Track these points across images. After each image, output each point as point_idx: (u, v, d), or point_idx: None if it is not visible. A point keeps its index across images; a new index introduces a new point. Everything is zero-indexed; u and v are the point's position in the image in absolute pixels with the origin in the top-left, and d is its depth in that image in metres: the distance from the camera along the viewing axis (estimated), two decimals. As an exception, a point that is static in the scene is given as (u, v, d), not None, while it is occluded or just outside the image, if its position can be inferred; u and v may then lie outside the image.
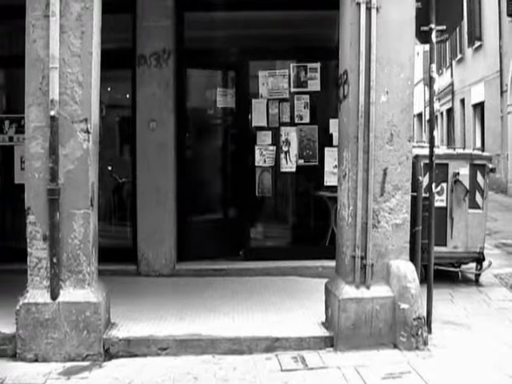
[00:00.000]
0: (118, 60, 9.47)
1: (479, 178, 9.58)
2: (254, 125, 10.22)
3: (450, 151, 10.35)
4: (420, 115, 40.76)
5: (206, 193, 10.25)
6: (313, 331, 6.91)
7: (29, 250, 6.52)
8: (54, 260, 6.43)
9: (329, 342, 6.74)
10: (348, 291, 6.76)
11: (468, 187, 9.50)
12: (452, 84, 32.23)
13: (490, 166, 9.73)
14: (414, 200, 7.15)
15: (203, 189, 10.22)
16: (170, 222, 9.71)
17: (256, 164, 10.17)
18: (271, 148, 10.19)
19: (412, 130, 7.08)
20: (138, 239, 9.75)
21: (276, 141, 10.23)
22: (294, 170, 10.27)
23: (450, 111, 33.60)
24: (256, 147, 10.17)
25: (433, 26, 7.20)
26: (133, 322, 7.10)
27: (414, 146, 7.55)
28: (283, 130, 10.23)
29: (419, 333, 6.64)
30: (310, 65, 10.21)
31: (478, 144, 26.66)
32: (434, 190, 7.41)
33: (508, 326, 7.58)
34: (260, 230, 10.73)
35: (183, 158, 10.06)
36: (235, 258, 10.04)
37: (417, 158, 8.94)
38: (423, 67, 32.71)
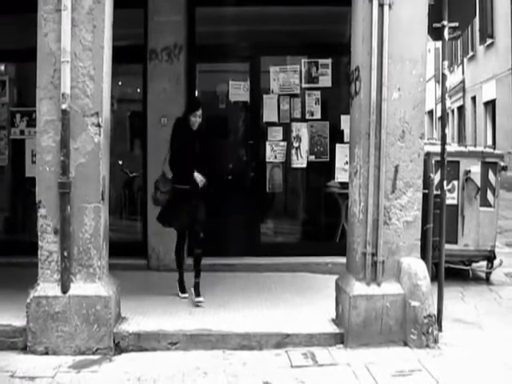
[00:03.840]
0: (129, 54, 9.49)
1: (491, 176, 9.54)
2: (265, 120, 10.21)
3: (462, 149, 10.32)
4: (431, 112, 40.62)
5: (216, 188, 10.23)
6: (323, 328, 6.91)
7: (40, 243, 6.54)
8: (65, 254, 6.45)
9: (339, 339, 6.74)
10: (358, 288, 6.75)
11: (479, 185, 9.47)
12: (463, 81, 32.13)
13: (502, 164, 9.69)
14: (425, 197, 7.12)
15: (213, 184, 10.20)
16: (180, 216, 9.70)
17: (267, 160, 10.17)
18: (282, 144, 10.19)
19: (424, 127, 7.05)
20: (149, 234, 9.77)
21: (287, 136, 10.22)
22: (304, 165, 10.25)
23: (460, 109, 33.50)
24: (267, 143, 10.16)
25: (445, 22, 7.18)
26: (143, 316, 7.12)
27: (425, 144, 7.52)
28: (294, 125, 10.22)
29: (430, 331, 6.62)
30: (321, 61, 10.20)
31: (489, 142, 26.56)
32: (445, 188, 7.39)
33: (519, 324, 7.56)
34: (270, 225, 10.72)
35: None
36: (246, 253, 10.02)
37: (428, 155, 8.90)
38: (434, 64, 32.59)
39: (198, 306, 7.64)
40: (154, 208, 9.57)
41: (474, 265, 10.01)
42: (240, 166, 10.39)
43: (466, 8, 7.61)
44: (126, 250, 9.45)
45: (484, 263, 9.83)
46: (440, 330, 6.96)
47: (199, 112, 8.04)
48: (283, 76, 10.22)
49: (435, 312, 6.83)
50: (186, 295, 8.01)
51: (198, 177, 7.96)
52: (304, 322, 7.05)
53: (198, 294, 7.77)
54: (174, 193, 8.08)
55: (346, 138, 9.25)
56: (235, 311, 7.44)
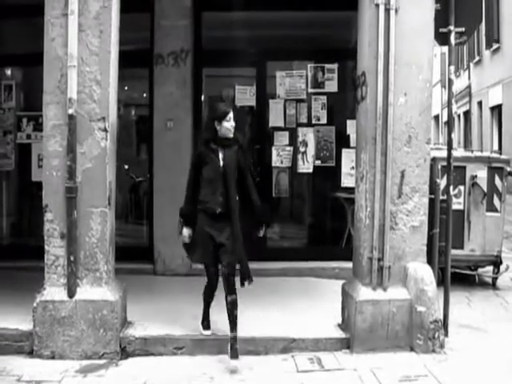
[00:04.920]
0: (135, 59, 9.49)
1: (497, 181, 9.53)
2: (271, 125, 10.21)
3: (468, 154, 10.30)
4: (437, 117, 40.59)
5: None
6: (329, 333, 6.91)
7: (46, 247, 6.55)
8: (72, 258, 6.46)
9: (345, 344, 6.74)
10: (365, 293, 6.75)
11: (486, 190, 9.45)
12: (469, 86, 32.07)
13: (508, 169, 9.67)
14: (431, 202, 7.11)
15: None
16: (186, 221, 9.70)
17: (273, 164, 10.17)
18: (288, 148, 10.18)
19: (430, 132, 7.05)
20: (155, 238, 9.77)
21: (293, 141, 10.22)
22: (310, 170, 10.24)
23: (467, 113, 33.42)
24: (273, 147, 10.16)
25: (452, 27, 7.17)
26: (149, 320, 7.11)
27: (431, 149, 7.52)
28: (300, 130, 10.22)
29: (436, 336, 6.61)
30: (327, 66, 10.19)
31: (496, 147, 26.49)
32: (451, 193, 7.38)
33: (525, 330, 7.54)
34: (276, 230, 10.71)
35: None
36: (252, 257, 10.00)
37: (434, 160, 8.89)
38: (440, 69, 32.56)
39: (233, 371, 6.20)
40: (160, 212, 9.61)
41: (480, 270, 9.98)
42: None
43: (472, 13, 7.59)
44: (132, 255, 9.47)
45: (490, 268, 9.82)
46: (446, 335, 6.95)
47: (232, 114, 6.62)
48: (289, 81, 10.23)
49: (441, 317, 6.83)
50: (210, 332, 6.76)
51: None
52: (310, 326, 7.05)
53: (234, 355, 6.25)
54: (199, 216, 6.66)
55: (352, 143, 9.26)
56: (241, 315, 7.39)
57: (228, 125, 6.51)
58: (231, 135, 6.57)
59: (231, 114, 6.56)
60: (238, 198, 6.56)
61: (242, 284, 6.46)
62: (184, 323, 7.11)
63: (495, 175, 9.53)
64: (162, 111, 9.65)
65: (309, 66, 10.24)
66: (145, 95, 10.33)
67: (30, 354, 6.49)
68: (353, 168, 8.89)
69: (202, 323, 6.86)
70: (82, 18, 6.47)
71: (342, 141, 10.08)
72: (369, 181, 6.81)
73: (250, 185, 6.66)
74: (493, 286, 9.73)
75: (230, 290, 6.42)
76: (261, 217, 6.71)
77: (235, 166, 6.56)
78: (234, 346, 6.29)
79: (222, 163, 6.51)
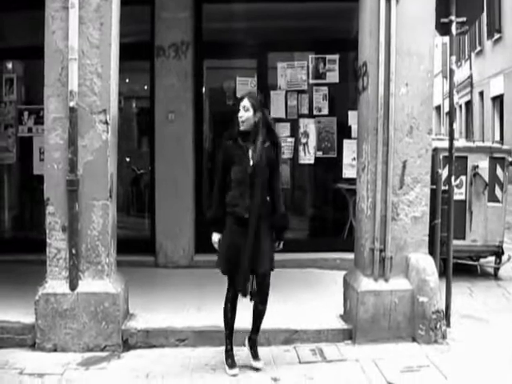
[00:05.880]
0: (136, 51, 9.48)
1: (498, 171, 9.53)
2: (272, 116, 10.18)
3: (470, 144, 10.30)
4: (438, 108, 40.54)
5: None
6: (331, 324, 6.91)
7: (48, 240, 6.55)
8: (73, 251, 6.46)
9: (347, 335, 6.74)
10: (367, 284, 6.75)
11: (487, 180, 9.45)
12: (471, 76, 32.00)
13: (510, 159, 9.67)
14: (433, 193, 7.11)
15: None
16: (188, 213, 9.72)
17: (274, 156, 10.14)
18: (289, 140, 10.17)
19: (432, 123, 7.04)
20: (156, 231, 9.78)
21: (294, 132, 10.21)
22: (312, 161, 10.24)
23: (468, 104, 33.37)
24: (274, 139, 10.14)
25: (453, 17, 7.15)
26: (151, 313, 7.11)
27: (432, 139, 7.51)
28: (302, 121, 10.21)
29: (438, 326, 6.61)
30: (328, 56, 10.17)
31: (497, 137, 26.47)
32: (453, 183, 7.37)
33: (527, 320, 7.54)
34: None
35: (201, 150, 10.07)
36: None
37: (436, 150, 8.89)
38: (442, 59, 32.49)
39: (257, 370, 6.04)
40: (162, 205, 9.61)
41: (482, 260, 9.99)
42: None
43: (473, 3, 7.57)
44: (134, 247, 9.44)
45: (492, 259, 9.83)
46: (448, 325, 6.95)
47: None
48: (290, 72, 10.22)
49: (443, 308, 6.83)
50: (236, 371, 5.95)
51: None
52: (312, 317, 7.05)
53: (255, 356, 6.14)
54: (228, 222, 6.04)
55: (354, 134, 9.23)
56: (243, 307, 7.41)
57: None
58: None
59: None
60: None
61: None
62: (186, 315, 7.13)
63: (497, 165, 9.53)
64: (163, 103, 9.65)
65: (310, 56, 10.23)
66: (146, 87, 10.31)
67: (32, 346, 6.50)
68: (354, 159, 8.87)
69: (226, 360, 6.08)
70: (83, 10, 6.46)
71: (344, 131, 10.07)
72: (370, 171, 6.80)
73: (276, 188, 6.10)
74: (495, 276, 9.74)
75: (263, 300, 6.14)
76: (277, 227, 6.25)
77: (266, 165, 5.89)
78: (254, 347, 6.20)
79: (251, 162, 5.87)
